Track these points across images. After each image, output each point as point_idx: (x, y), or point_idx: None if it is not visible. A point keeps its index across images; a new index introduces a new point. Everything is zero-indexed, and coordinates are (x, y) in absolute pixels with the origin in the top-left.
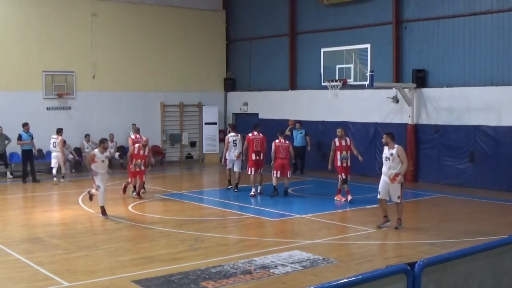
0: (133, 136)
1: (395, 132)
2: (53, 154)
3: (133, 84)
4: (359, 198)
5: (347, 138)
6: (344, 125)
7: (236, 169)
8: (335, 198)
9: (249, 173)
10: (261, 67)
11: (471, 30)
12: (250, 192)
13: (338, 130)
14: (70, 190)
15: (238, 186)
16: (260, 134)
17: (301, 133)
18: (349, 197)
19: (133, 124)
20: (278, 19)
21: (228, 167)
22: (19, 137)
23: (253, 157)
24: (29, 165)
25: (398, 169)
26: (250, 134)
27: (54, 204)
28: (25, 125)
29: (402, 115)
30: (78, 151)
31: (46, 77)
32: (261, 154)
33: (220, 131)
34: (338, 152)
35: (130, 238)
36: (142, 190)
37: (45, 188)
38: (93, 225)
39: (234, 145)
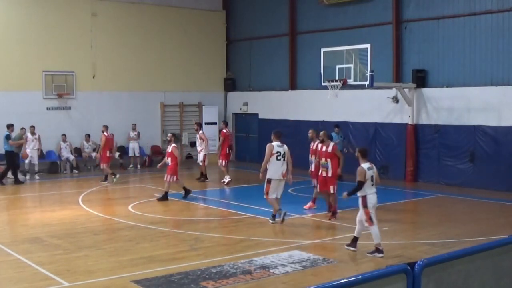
0: (106, 134)
1: (395, 132)
2: None
3: (133, 84)
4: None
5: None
6: (345, 125)
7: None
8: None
9: (222, 164)
10: (261, 67)
11: (471, 30)
12: (224, 180)
13: (309, 131)
14: (70, 190)
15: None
16: (230, 131)
17: (341, 136)
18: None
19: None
20: (278, 19)
21: (206, 162)
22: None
23: (227, 150)
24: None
25: None
26: (224, 131)
27: (54, 204)
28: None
29: (402, 115)
30: (78, 151)
31: (46, 77)
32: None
33: (220, 131)
34: (314, 156)
35: (130, 238)
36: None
37: (45, 188)
38: (93, 225)
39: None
